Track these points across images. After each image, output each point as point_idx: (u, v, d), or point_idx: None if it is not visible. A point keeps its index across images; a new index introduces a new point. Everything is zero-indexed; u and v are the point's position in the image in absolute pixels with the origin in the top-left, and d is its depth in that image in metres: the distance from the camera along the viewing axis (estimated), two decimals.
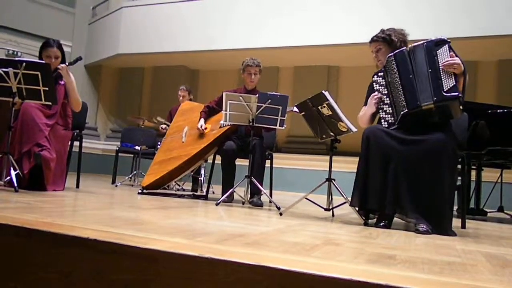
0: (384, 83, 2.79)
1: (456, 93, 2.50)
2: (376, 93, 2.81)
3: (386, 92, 2.77)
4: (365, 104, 2.90)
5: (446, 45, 2.57)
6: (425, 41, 2.63)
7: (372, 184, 2.56)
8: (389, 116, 2.73)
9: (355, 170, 2.66)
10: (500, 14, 6.47)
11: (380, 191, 2.53)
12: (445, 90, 2.52)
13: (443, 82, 2.53)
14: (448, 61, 2.51)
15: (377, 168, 2.55)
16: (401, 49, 2.71)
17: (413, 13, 6.81)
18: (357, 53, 7.84)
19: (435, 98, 2.54)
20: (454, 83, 2.50)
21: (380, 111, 2.78)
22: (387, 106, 2.76)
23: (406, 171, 2.47)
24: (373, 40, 2.90)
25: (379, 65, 2.88)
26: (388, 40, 2.83)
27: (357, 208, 2.72)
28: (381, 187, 2.52)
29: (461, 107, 2.60)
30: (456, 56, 2.54)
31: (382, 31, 2.87)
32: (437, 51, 2.58)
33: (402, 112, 2.63)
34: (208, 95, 5.25)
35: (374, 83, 2.84)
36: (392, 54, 2.72)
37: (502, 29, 6.43)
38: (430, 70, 2.57)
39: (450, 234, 2.39)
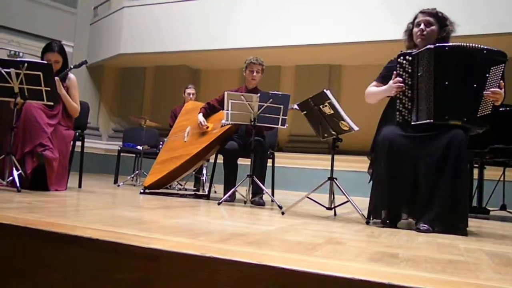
0: (411, 71, 2.48)
1: (484, 124, 2.35)
2: (399, 78, 2.49)
3: (410, 83, 2.48)
4: (378, 78, 2.68)
5: (503, 65, 2.30)
6: (485, 48, 2.33)
7: (403, 192, 2.40)
8: (407, 112, 2.49)
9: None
10: (500, 12, 6.44)
11: (411, 198, 2.41)
12: (478, 115, 2.33)
13: (480, 106, 2.31)
14: (495, 91, 2.28)
15: (405, 177, 2.39)
16: (444, 44, 2.42)
17: (415, 12, 6.78)
18: (359, 52, 7.85)
19: (465, 119, 2.35)
20: (489, 112, 2.31)
21: (398, 101, 2.51)
22: (407, 99, 2.48)
23: (429, 170, 2.33)
24: (428, 13, 2.56)
25: (416, 41, 2.55)
26: (442, 23, 2.53)
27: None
28: (412, 193, 2.39)
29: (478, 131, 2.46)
30: (503, 80, 2.32)
31: (438, 11, 2.59)
32: (492, 69, 2.30)
33: (425, 120, 2.40)
34: (210, 94, 5.24)
35: (398, 65, 2.52)
36: (433, 47, 2.40)
37: (503, 27, 6.41)
38: (475, 86, 2.31)
39: (463, 233, 2.27)
